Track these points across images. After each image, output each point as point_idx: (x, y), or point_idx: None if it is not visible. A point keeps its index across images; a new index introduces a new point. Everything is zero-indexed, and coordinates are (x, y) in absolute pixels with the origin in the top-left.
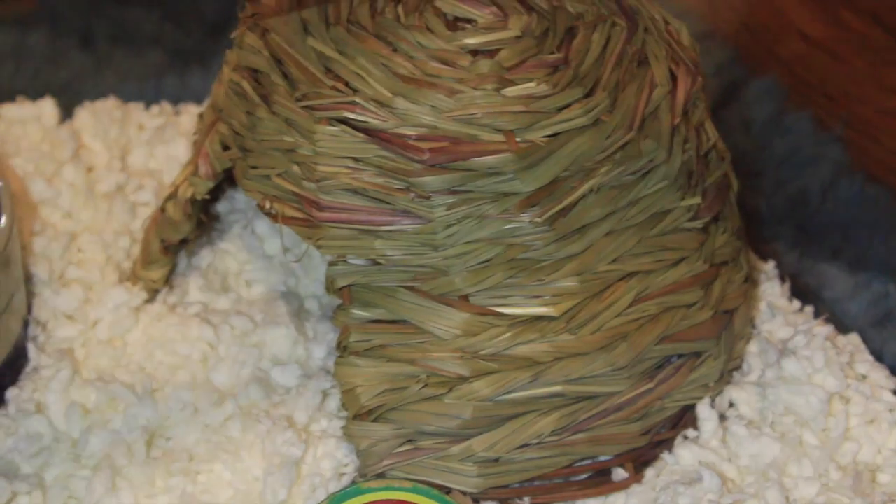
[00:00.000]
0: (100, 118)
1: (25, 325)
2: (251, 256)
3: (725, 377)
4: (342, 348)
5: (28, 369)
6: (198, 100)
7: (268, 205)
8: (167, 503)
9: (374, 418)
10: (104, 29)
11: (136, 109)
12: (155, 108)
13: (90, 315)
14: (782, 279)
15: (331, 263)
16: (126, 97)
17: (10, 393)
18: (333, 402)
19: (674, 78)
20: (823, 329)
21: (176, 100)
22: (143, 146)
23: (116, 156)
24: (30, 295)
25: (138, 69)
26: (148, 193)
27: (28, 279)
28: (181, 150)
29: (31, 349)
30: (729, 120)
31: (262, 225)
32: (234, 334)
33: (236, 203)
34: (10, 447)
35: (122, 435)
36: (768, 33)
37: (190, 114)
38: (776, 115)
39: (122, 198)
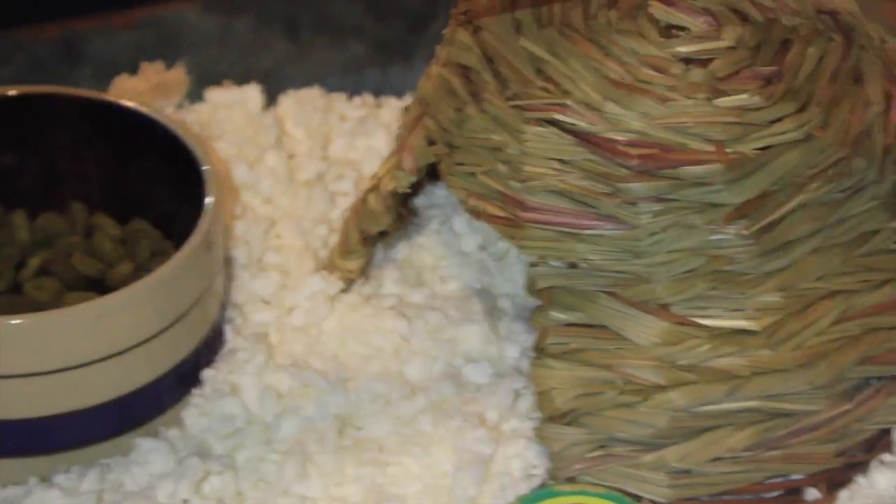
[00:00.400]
0: (303, 106)
1: (223, 307)
2: (447, 252)
3: None
4: (539, 350)
5: (224, 351)
6: (399, 93)
7: (471, 202)
8: (356, 493)
9: (567, 422)
10: (309, 18)
11: (338, 100)
12: (357, 100)
13: (286, 301)
14: None
15: (531, 264)
16: (329, 87)
17: (207, 374)
18: (526, 403)
19: (889, 97)
20: None
21: (377, 92)
22: (344, 136)
23: (318, 144)
24: (228, 278)
25: (342, 60)
26: (347, 183)
27: (227, 262)
28: (381, 143)
29: (228, 331)
30: None
31: (460, 221)
32: (427, 329)
33: (435, 198)
34: (204, 427)
35: (314, 422)
36: None
37: (391, 107)
38: None
39: (322, 186)
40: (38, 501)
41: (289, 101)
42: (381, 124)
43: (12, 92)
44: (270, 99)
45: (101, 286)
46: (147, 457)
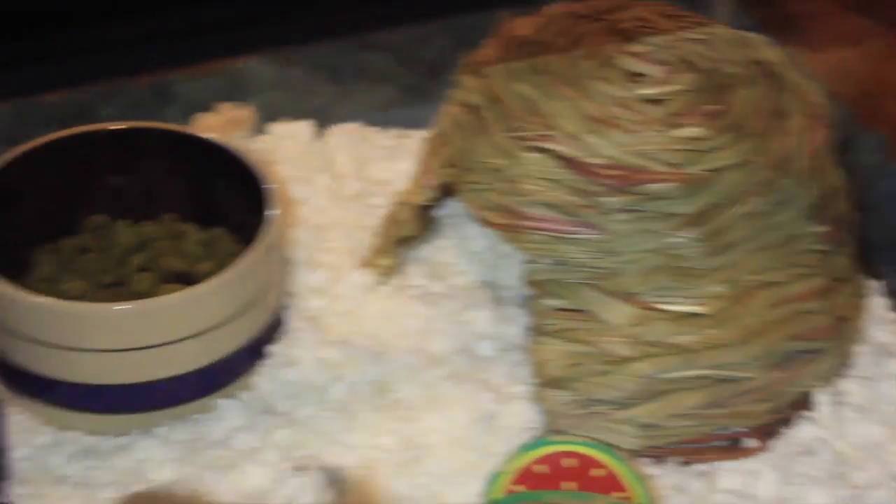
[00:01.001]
0: (345, 138)
1: (285, 296)
2: (461, 252)
3: (839, 371)
4: (535, 329)
5: (286, 330)
6: (421, 127)
7: (480, 213)
8: (391, 442)
9: (557, 386)
10: (349, 68)
11: (373, 132)
12: (388, 132)
13: (334, 291)
14: (887, 295)
15: (528, 262)
16: (366, 122)
17: (272, 348)
18: (525, 372)
19: (807, 129)
20: None
21: (404, 126)
22: (378, 161)
23: (358, 167)
24: (288, 273)
25: (376, 101)
26: (382, 198)
27: (287, 261)
28: (408, 166)
29: (289, 315)
30: (845, 165)
31: (472, 228)
32: (446, 313)
33: (451, 209)
34: (270, 391)
35: (358, 387)
36: (877, 97)
37: (415, 138)
38: (882, 163)
39: (362, 201)
40: (141, 448)
41: (334, 134)
42: (408, 152)
43: (120, 126)
44: (320, 132)
45: (188, 280)
46: (226, 413)
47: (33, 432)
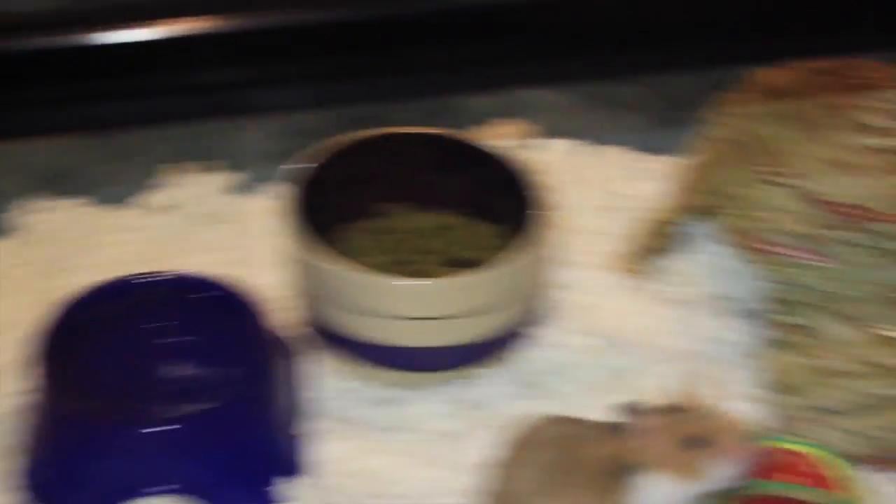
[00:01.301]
0: (597, 158)
1: (543, 288)
2: (699, 265)
3: None
4: (772, 341)
5: (541, 317)
6: (662, 153)
7: (728, 235)
8: (598, 416)
9: (787, 393)
10: (608, 98)
11: (621, 154)
12: (633, 155)
13: (585, 287)
14: None
15: (768, 281)
16: (616, 145)
17: (529, 332)
18: (742, 376)
19: None
20: None
21: (648, 151)
22: (624, 179)
23: (605, 183)
24: (547, 269)
25: (626, 127)
26: (626, 211)
27: (547, 259)
28: (649, 185)
29: (545, 305)
30: None
31: (709, 245)
32: (680, 315)
33: (698, 229)
34: (524, 366)
35: (597, 371)
36: None
37: (656, 162)
38: None
39: (610, 213)
40: (420, 402)
41: (588, 152)
42: (649, 172)
43: (424, 131)
44: (579, 149)
45: (468, 266)
46: (488, 381)
47: (339, 380)
